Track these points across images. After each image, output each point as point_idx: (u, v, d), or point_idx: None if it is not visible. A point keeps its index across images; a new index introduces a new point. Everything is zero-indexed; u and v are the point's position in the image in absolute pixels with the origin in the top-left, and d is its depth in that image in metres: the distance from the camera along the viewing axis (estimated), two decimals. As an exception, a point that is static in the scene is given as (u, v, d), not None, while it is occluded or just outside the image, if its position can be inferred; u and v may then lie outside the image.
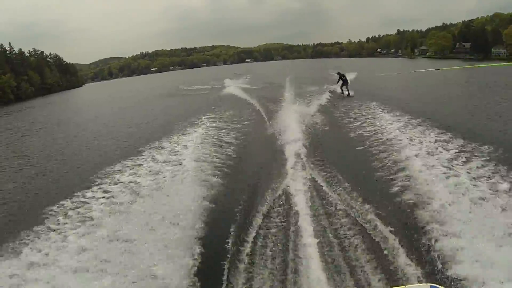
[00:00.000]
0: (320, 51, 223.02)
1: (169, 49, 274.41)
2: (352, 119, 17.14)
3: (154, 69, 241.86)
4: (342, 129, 15.69)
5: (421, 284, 4.80)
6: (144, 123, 23.21)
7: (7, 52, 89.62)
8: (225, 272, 6.03)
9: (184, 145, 14.09)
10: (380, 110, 18.07)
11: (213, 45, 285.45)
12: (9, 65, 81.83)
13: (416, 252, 6.06)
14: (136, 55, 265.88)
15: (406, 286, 4.39)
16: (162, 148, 14.19)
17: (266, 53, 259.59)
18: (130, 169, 11.89)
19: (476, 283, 5.05)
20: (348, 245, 6.61)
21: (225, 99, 30.23)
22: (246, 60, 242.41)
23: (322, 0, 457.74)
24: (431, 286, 3.96)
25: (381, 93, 26.15)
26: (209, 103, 27.71)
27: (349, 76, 28.84)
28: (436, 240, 6.16)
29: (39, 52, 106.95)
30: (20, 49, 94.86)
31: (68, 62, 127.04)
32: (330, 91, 26.85)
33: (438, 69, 25.29)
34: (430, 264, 5.72)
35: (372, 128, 14.65)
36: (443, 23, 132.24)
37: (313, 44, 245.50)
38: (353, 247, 6.51)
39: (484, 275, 5.10)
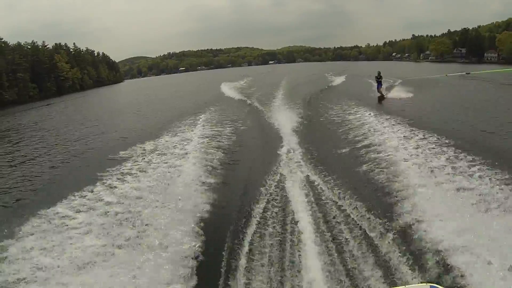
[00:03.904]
0: (340, 55, 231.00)
1: (195, 49, 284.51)
2: (350, 119, 17.42)
3: (182, 68, 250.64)
4: (340, 128, 16.01)
5: (421, 284, 4.69)
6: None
7: (71, 49, 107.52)
8: (223, 271, 6.09)
9: (188, 141, 14.85)
10: (371, 113, 18.29)
11: (238, 47, 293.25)
12: (74, 61, 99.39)
13: (416, 252, 6.04)
14: (164, 55, 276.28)
15: (406, 286, 4.38)
16: (166, 145, 14.90)
17: (289, 55, 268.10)
18: (130, 165, 12.03)
19: (476, 282, 5.02)
20: (348, 245, 6.61)
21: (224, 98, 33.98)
22: (270, 62, 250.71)
23: (343, 2, 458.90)
24: (431, 286, 3.91)
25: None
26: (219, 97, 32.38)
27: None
28: (436, 240, 6.13)
29: (91, 50, 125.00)
30: (79, 48, 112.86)
31: (114, 61, 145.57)
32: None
33: (469, 73, 26.16)
34: (430, 264, 5.70)
35: (372, 129, 14.67)
36: (448, 29, 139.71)
37: (334, 47, 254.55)
38: (352, 247, 6.52)
39: (484, 275, 5.11)
